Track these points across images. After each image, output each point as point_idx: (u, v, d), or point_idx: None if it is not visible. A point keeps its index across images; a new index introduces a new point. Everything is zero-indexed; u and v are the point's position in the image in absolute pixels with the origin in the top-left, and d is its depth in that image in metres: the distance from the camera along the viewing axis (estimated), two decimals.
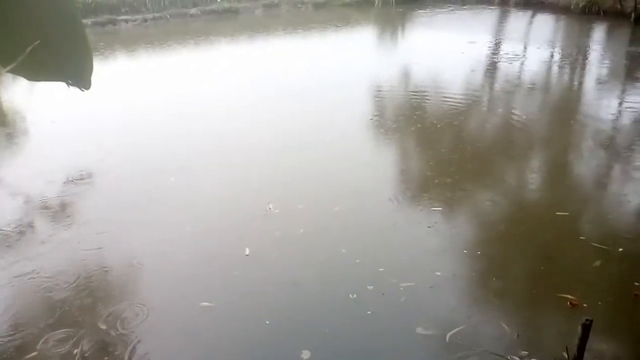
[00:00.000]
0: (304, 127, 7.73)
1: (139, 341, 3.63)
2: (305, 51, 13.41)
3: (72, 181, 6.20)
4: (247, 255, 4.55)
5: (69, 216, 5.43)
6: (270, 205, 5.31)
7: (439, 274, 4.24)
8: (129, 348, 3.57)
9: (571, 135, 7.24)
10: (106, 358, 3.50)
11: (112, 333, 3.71)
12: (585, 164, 6.31)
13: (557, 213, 5.06)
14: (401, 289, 4.06)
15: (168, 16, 18.57)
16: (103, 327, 3.77)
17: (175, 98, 9.48)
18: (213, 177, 6.15)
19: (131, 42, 15.18)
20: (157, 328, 3.77)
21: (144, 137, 7.70)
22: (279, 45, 14.43)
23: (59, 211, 5.51)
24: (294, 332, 3.68)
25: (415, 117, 7.93)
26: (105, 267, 4.49)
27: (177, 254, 4.65)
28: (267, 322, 3.76)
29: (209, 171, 6.33)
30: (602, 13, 15.02)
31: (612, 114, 7.78)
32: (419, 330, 3.66)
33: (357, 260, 4.42)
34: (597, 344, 3.40)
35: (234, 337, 3.67)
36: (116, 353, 3.54)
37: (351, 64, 11.65)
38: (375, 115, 8.15)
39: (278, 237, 4.83)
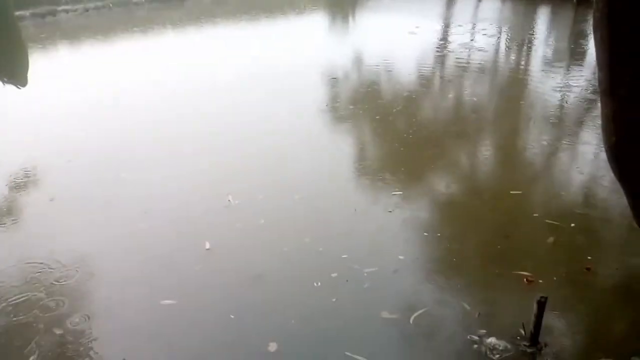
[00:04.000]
0: (259, 114, 7.59)
1: (96, 346, 3.49)
2: (255, 38, 13.17)
3: (14, 180, 5.87)
4: (207, 249, 4.45)
5: (13, 219, 5.15)
6: (230, 197, 5.21)
7: (401, 257, 4.29)
8: (87, 354, 3.43)
9: (521, 115, 7.45)
10: None
11: (69, 338, 3.55)
12: (536, 143, 6.51)
13: (511, 192, 5.21)
14: (365, 274, 4.08)
15: (111, 5, 17.85)
16: (59, 332, 3.61)
17: (123, 89, 9.12)
18: (166, 170, 5.95)
19: (73, 33, 14.49)
20: (116, 331, 3.64)
21: (91, 131, 7.36)
22: (229, 33, 14.13)
23: (3, 214, 5.23)
24: (260, 324, 3.64)
25: (369, 102, 7.95)
26: (57, 270, 4.28)
27: (132, 252, 4.49)
28: (232, 317, 3.70)
29: (162, 164, 6.12)
30: None
31: (559, 93, 8.05)
32: (384, 314, 3.69)
33: (320, 249, 4.41)
34: (552, 318, 3.52)
35: (199, 333, 3.59)
36: None
37: (303, 50, 11.56)
38: (330, 101, 8.12)
39: (239, 229, 4.75)
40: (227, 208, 5.08)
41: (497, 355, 3.33)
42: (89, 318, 3.73)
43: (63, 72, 10.70)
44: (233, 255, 4.40)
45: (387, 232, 4.69)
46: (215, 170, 5.91)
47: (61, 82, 9.84)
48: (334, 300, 3.83)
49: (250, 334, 3.55)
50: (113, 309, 3.83)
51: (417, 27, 12.79)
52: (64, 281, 4.12)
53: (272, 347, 3.42)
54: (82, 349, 3.47)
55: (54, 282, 4.11)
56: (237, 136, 6.83)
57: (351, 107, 7.84)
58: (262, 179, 5.64)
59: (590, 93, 7.91)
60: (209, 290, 4.00)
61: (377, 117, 7.36)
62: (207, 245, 4.48)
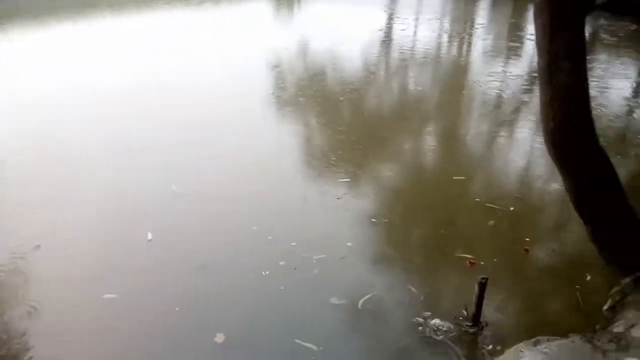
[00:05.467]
0: (203, 103, 7.39)
1: (36, 347, 3.31)
2: (199, 24, 12.82)
3: None
4: (149, 240, 4.30)
5: None
6: (174, 187, 5.06)
7: (349, 244, 4.32)
8: (27, 356, 3.24)
9: (463, 103, 7.66)
10: None
11: (4, 337, 3.35)
12: (477, 130, 6.71)
13: (454, 177, 5.35)
14: (314, 261, 4.08)
15: None
16: None
17: (54, 80, 8.62)
18: (107, 160, 5.69)
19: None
20: (56, 330, 3.45)
21: (20, 123, 6.93)
22: (170, 18, 13.67)
23: None
24: (206, 316, 3.57)
25: (315, 90, 7.93)
26: None
27: (70, 244, 4.27)
28: (177, 309, 3.60)
29: (103, 154, 5.85)
30: None
31: (498, 83, 8.33)
32: (333, 300, 3.71)
33: (269, 237, 4.37)
34: (494, 297, 3.65)
35: (143, 328, 3.48)
36: None
37: (249, 37, 11.35)
38: (276, 90, 8.03)
39: (183, 220, 4.62)
40: (170, 198, 4.93)
41: (441, 336, 3.43)
42: (29, 315, 3.53)
43: None
44: (177, 246, 4.28)
45: (336, 219, 4.70)
46: (158, 158, 5.71)
47: None
48: (282, 288, 3.81)
49: (197, 326, 3.48)
50: (53, 305, 3.64)
51: (363, 14, 12.86)
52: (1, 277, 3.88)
53: (220, 338, 3.37)
54: (15, 348, 3.28)
55: None
56: (179, 124, 6.61)
57: (296, 95, 7.79)
58: (208, 169, 5.52)
59: (528, 82, 8.24)
60: (153, 283, 3.88)
61: (323, 106, 7.35)
62: (150, 237, 4.33)
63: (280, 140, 6.31)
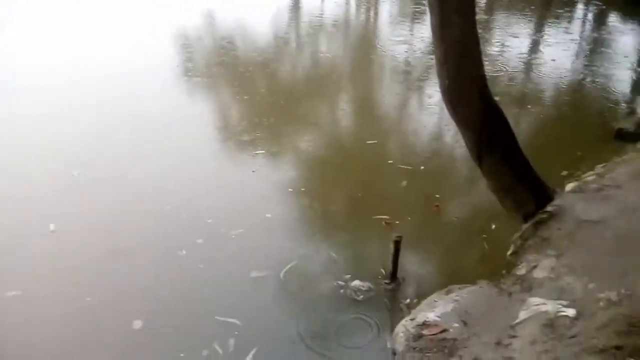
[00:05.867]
0: (109, 80, 6.87)
1: None
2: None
3: None
4: (52, 231, 4.02)
5: None
6: (75, 172, 4.73)
7: (268, 215, 4.29)
8: None
9: (373, 69, 7.75)
10: None
11: None
12: (388, 95, 6.84)
13: (367, 142, 5.44)
14: (232, 237, 4.02)
15: None
16: None
17: None
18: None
19: None
20: None
21: None
22: None
23: None
24: (121, 303, 3.42)
25: (225, 62, 7.68)
26: None
27: None
28: (88, 299, 3.42)
29: None
30: None
31: (406, 47, 8.49)
32: (254, 273, 3.68)
33: (184, 215, 4.24)
34: (409, 253, 3.79)
35: (53, 323, 3.27)
36: None
37: (150, 8, 10.72)
38: (182, 62, 7.67)
39: (87, 206, 4.34)
40: (71, 184, 4.60)
41: (362, 296, 3.52)
42: None
43: None
44: (83, 234, 4.03)
45: (253, 192, 4.64)
46: (56, 140, 5.26)
47: None
48: (201, 266, 3.73)
49: (111, 315, 3.33)
50: None
51: None
52: None
53: (137, 324, 3.25)
54: None
55: None
56: (83, 102, 6.13)
57: (205, 68, 7.50)
58: (112, 148, 5.19)
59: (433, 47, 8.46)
60: (59, 274, 3.64)
61: (234, 78, 7.14)
62: (52, 227, 4.04)
63: (190, 115, 6.06)
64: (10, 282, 3.56)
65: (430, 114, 6.27)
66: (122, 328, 3.22)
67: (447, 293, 3.18)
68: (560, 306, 2.78)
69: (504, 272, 3.59)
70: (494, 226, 4.14)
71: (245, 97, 6.55)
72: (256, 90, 6.76)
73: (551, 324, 2.68)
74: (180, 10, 10.55)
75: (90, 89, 6.54)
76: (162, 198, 4.42)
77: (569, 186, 4.11)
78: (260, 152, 5.22)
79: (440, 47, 3.22)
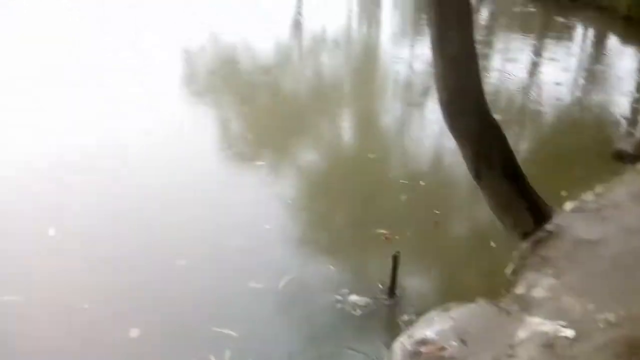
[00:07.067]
0: (113, 95, 6.85)
1: None
2: (105, 14, 11.94)
3: None
4: (51, 236, 4.01)
5: None
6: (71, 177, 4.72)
7: (268, 227, 4.28)
8: None
9: (374, 84, 7.82)
10: None
11: None
12: (389, 109, 6.88)
13: (369, 156, 5.46)
14: (232, 247, 4.01)
15: None
16: None
17: None
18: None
19: None
20: None
21: None
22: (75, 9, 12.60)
23: None
24: (118, 312, 3.40)
25: (228, 75, 7.73)
26: None
27: None
28: (86, 306, 3.40)
29: None
30: None
31: (407, 63, 8.56)
32: (252, 284, 3.67)
33: (184, 225, 4.22)
34: (408, 269, 3.78)
35: (50, 329, 3.25)
36: None
37: (153, 24, 10.76)
38: (187, 77, 7.71)
39: (88, 212, 4.33)
40: (68, 189, 4.58)
41: (360, 311, 3.51)
42: None
43: None
44: (82, 240, 4.02)
45: (252, 203, 4.64)
46: (49, 147, 5.22)
47: None
48: (199, 276, 3.71)
49: (108, 323, 3.31)
50: None
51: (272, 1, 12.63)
52: None
53: (134, 332, 3.23)
54: None
55: None
56: (93, 118, 6.13)
57: (209, 81, 7.55)
58: (118, 157, 5.17)
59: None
60: (56, 281, 3.61)
61: (237, 92, 7.18)
62: (51, 232, 4.03)
63: (192, 126, 6.07)
64: (6, 287, 3.53)
65: (431, 128, 6.31)
66: (119, 335, 3.20)
67: (446, 310, 3.15)
68: (559, 327, 2.77)
69: (502, 290, 3.59)
70: (493, 244, 4.15)
71: (247, 111, 6.57)
72: (258, 104, 6.79)
73: (550, 344, 2.67)
74: (185, 28, 10.60)
75: (94, 106, 6.56)
76: (163, 208, 4.41)
77: (568, 206, 4.12)
78: (261, 164, 5.23)
79: (439, 62, 3.25)
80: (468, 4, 3.25)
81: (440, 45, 3.19)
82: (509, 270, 3.73)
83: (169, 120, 6.13)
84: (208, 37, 9.99)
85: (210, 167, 5.22)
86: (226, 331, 3.26)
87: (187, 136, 5.79)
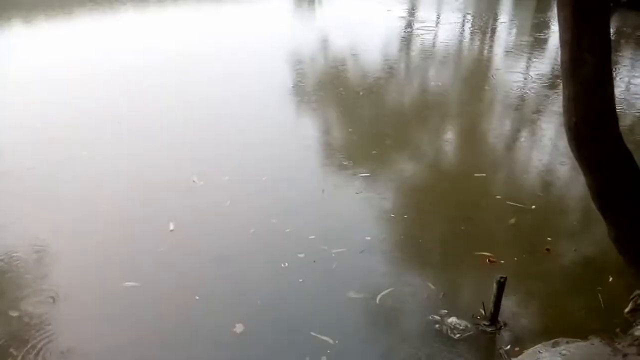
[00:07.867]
0: (223, 96, 7.39)
1: (57, 331, 3.38)
2: (218, 19, 12.83)
3: None
4: (171, 230, 4.36)
5: None
6: (195, 178, 5.11)
7: (368, 238, 4.32)
8: (48, 339, 3.32)
9: (485, 101, 7.57)
10: (16, 352, 3.23)
11: (26, 320, 3.43)
12: (499, 128, 6.64)
13: (475, 175, 5.31)
14: (332, 255, 4.09)
15: None
16: (15, 314, 3.48)
17: (86, 68, 8.75)
18: (127, 150, 5.76)
19: (29, 8, 13.76)
20: (77, 315, 3.53)
21: (38, 109, 7.03)
22: (188, 12, 13.70)
23: None
24: (226, 306, 3.61)
25: (336, 86, 7.90)
26: (13, 253, 4.10)
27: (91, 233, 4.34)
28: (197, 298, 3.66)
29: (123, 143, 5.91)
30: None
31: (521, 80, 8.21)
32: (351, 294, 3.72)
33: (288, 230, 4.39)
34: (512, 298, 3.62)
35: (163, 315, 3.54)
36: (33, 345, 3.28)
37: (268, 33, 11.33)
38: (297, 85, 8.02)
39: (204, 210, 4.67)
40: (192, 189, 4.97)
41: (458, 335, 3.41)
42: (50, 301, 3.61)
43: (26, 51, 10.19)
44: (198, 236, 4.34)
45: (355, 213, 4.71)
46: (180, 151, 5.76)
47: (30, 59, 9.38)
48: (301, 280, 3.84)
49: (216, 316, 3.53)
50: (74, 293, 3.71)
51: (386, 9, 12.75)
52: (21, 265, 3.97)
53: (239, 328, 3.41)
54: (40, 332, 3.35)
55: (11, 268, 3.95)
56: (204, 117, 6.65)
57: (316, 91, 7.77)
58: (228, 161, 5.54)
59: (551, 79, 8.10)
60: (174, 271, 3.93)
61: (344, 102, 7.32)
62: (171, 227, 4.39)
63: (299, 134, 6.32)
64: (129, 274, 3.89)
65: (543, 149, 5.99)
66: (225, 330, 3.40)
67: (554, 345, 3.00)
68: None
69: (618, 330, 3.33)
70: (610, 279, 3.84)
71: (353, 121, 6.69)
72: (364, 116, 6.87)
73: None
74: (297, 34, 11.05)
75: (212, 105, 7.06)
76: (269, 212, 4.61)
77: None
78: (365, 175, 5.28)
79: (569, 85, 3.08)
80: (607, 27, 3.06)
81: (573, 68, 3.01)
82: (627, 309, 3.45)
83: (272, 126, 6.42)
84: (320, 44, 10.30)
85: (312, 176, 5.34)
86: (324, 337, 3.33)
87: (290, 144, 6.00)
